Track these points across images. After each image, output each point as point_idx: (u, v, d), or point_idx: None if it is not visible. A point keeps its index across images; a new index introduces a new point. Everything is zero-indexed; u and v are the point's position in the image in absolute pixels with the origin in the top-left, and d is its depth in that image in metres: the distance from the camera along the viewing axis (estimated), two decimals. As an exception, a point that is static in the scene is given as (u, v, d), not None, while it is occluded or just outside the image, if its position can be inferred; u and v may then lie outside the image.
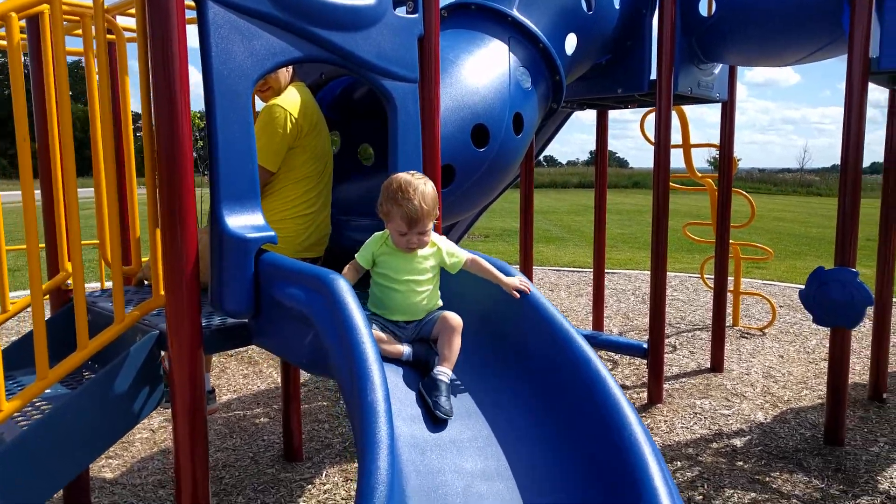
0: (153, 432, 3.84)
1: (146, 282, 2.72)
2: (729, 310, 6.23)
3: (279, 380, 4.73)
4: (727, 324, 6.15)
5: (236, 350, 5.21)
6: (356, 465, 3.41)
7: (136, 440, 3.72)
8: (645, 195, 28.68)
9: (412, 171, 2.07)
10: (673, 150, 4.21)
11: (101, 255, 2.34)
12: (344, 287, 1.76)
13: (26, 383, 2.06)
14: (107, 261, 2.18)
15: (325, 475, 3.30)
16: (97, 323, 2.16)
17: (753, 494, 3.07)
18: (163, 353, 2.12)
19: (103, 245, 2.28)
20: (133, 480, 3.27)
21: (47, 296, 2.50)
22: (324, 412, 4.13)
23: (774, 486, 3.15)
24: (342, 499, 3.08)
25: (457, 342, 1.96)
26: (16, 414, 1.93)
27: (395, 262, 2.00)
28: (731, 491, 3.11)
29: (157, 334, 2.07)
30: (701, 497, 3.05)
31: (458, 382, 2.01)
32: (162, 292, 2.01)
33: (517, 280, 2.02)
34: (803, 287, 3.51)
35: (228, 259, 1.96)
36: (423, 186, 1.98)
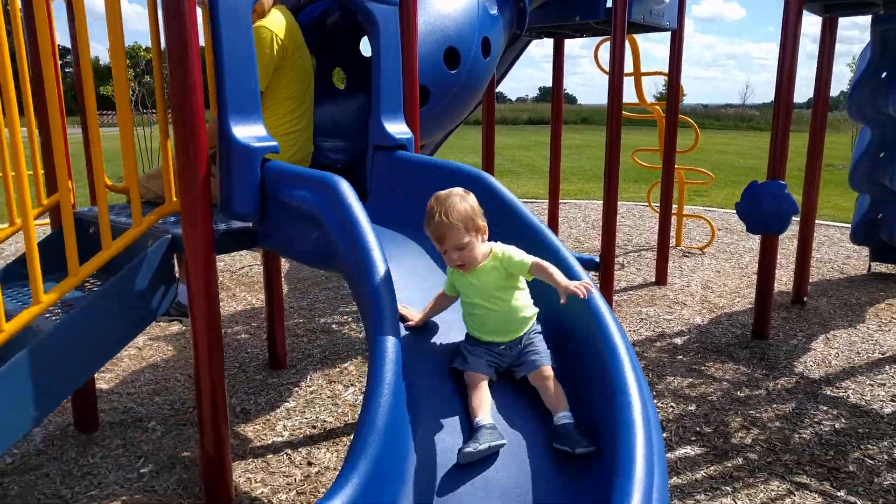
0: (139, 349, 4.04)
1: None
2: (673, 232, 6.71)
3: (253, 301, 4.97)
4: (671, 245, 6.63)
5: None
6: (337, 370, 3.72)
7: (124, 357, 3.92)
8: (594, 131, 29.13)
9: (457, 189, 1.89)
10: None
11: (97, 178, 2.47)
12: (346, 187, 2.00)
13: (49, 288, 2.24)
14: (106, 184, 2.32)
15: (310, 379, 3.60)
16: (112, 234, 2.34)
17: (691, 380, 3.53)
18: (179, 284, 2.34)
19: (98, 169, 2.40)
20: (128, 390, 3.49)
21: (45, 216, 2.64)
22: (301, 328, 4.40)
23: (709, 373, 3.62)
24: (327, 397, 3.39)
25: (552, 387, 1.80)
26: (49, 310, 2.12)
27: (463, 284, 1.91)
28: (672, 378, 3.56)
29: (170, 238, 2.27)
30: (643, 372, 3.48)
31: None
32: (175, 198, 2.20)
33: (573, 284, 1.76)
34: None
35: (236, 167, 2.16)
36: (451, 199, 1.85)
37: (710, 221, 6.77)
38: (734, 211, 4.04)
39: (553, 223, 6.09)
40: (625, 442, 1.57)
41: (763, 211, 3.73)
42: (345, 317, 4.63)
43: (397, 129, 2.67)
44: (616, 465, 1.53)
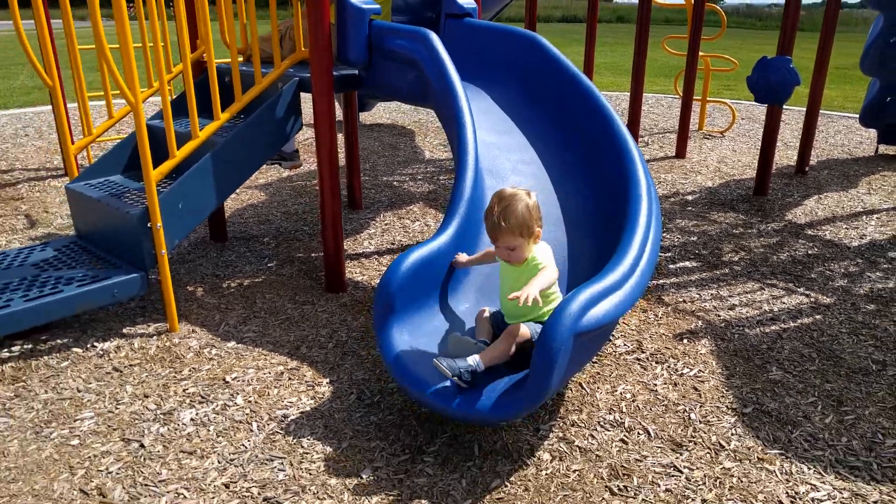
0: (238, 194, 4.89)
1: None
2: (697, 118, 7.27)
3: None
4: (695, 129, 7.22)
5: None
6: (404, 210, 4.54)
7: (229, 200, 4.77)
8: (627, 31, 28.51)
9: (521, 192, 2.05)
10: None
11: (231, 42, 3.18)
12: (436, 37, 2.72)
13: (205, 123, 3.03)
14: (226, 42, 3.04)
15: (382, 216, 4.43)
16: (245, 83, 3.09)
17: (696, 222, 4.29)
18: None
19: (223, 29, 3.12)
20: (238, 220, 4.36)
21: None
22: (367, 184, 5.19)
23: (711, 218, 4.37)
24: (399, 227, 4.21)
25: (503, 347, 2.00)
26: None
27: (503, 266, 2.15)
28: (680, 220, 4.32)
29: (298, 80, 3.02)
30: (658, 224, 4.25)
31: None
32: (303, 48, 2.94)
33: (523, 294, 1.90)
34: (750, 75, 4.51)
35: (351, 24, 2.88)
36: (513, 203, 1.98)
37: (732, 107, 7.30)
38: (757, 104, 4.63)
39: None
40: (633, 206, 2.35)
41: (770, 82, 4.33)
42: (403, 177, 5.42)
43: (465, 0, 3.33)
44: (625, 219, 2.32)
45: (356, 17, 2.86)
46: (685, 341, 2.78)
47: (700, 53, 6.76)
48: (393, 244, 3.91)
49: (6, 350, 2.63)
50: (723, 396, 2.38)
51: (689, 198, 4.84)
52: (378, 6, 2.92)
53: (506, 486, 1.93)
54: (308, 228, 4.17)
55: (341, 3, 2.86)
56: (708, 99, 7.25)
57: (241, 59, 3.45)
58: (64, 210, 4.43)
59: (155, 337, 2.79)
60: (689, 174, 5.49)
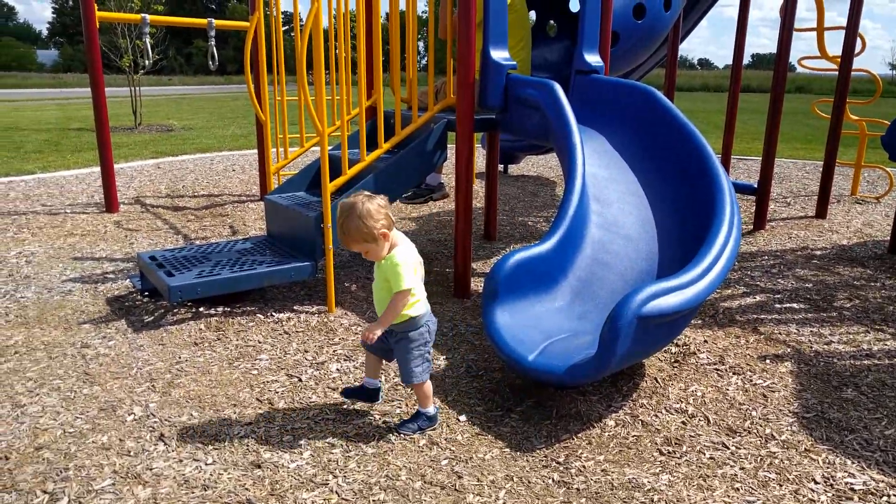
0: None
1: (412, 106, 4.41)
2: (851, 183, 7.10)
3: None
4: (848, 194, 7.08)
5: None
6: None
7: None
8: (803, 101, 27.24)
9: (356, 200, 2.21)
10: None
11: (395, 92, 3.99)
12: (559, 87, 3.30)
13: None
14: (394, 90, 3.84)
15: (513, 247, 4.99)
16: (404, 123, 3.86)
17: (816, 272, 4.37)
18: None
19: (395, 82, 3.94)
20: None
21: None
22: (504, 221, 5.80)
23: (835, 270, 4.42)
24: (526, 259, 4.74)
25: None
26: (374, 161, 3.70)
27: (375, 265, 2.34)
28: (801, 270, 4.42)
29: (446, 121, 3.73)
30: (773, 267, 4.39)
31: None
32: (452, 95, 3.65)
33: (367, 332, 2.26)
34: None
35: (491, 76, 3.55)
36: (346, 218, 2.19)
37: (890, 173, 7.06)
38: None
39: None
40: (714, 229, 2.72)
41: (902, 140, 4.38)
42: (538, 218, 5.97)
43: (593, 59, 3.89)
44: (705, 238, 2.69)
45: (496, 71, 3.53)
46: (768, 361, 3.01)
47: (853, 117, 6.73)
48: (517, 268, 4.44)
49: (213, 309, 3.50)
50: (789, 403, 2.61)
51: (818, 252, 4.88)
52: (515, 62, 3.57)
53: (573, 439, 2.36)
54: (447, 252, 4.83)
55: (485, 59, 3.54)
56: (862, 164, 7.09)
57: (403, 106, 4.28)
58: (258, 225, 5.49)
59: (316, 314, 3.53)
60: (824, 233, 5.49)
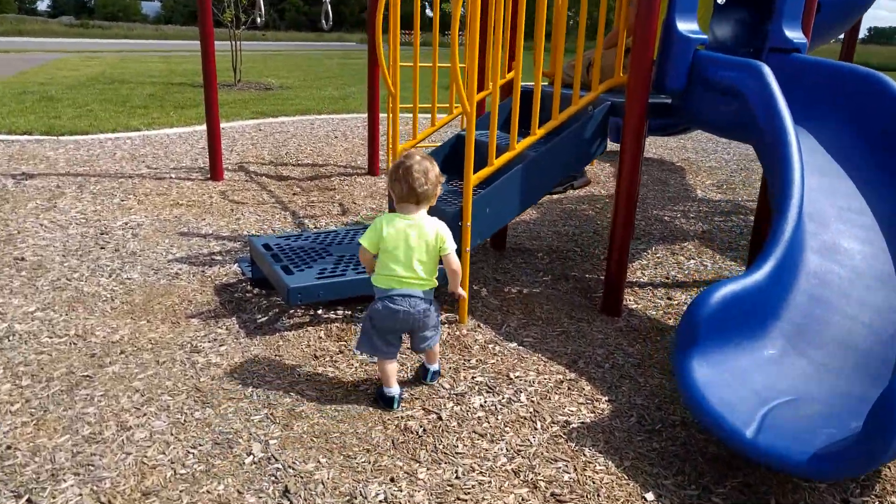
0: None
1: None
2: None
3: (596, 191, 5.84)
4: None
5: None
6: (677, 246, 4.41)
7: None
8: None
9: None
10: None
11: (535, 67, 3.38)
12: (769, 71, 2.62)
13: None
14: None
15: (654, 249, 4.35)
16: (550, 104, 3.26)
17: None
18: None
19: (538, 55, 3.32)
20: (512, 233, 4.59)
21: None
22: (637, 215, 5.13)
23: None
24: (673, 262, 4.10)
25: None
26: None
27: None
28: None
29: (609, 104, 3.12)
30: None
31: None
32: (622, 74, 3.03)
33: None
34: None
35: (675, 52, 2.90)
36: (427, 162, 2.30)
37: None
38: None
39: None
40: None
41: None
42: (674, 212, 5.27)
43: (795, 34, 3.16)
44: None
45: (682, 46, 2.88)
46: None
47: None
48: (667, 279, 3.82)
49: (333, 312, 3.09)
50: None
51: None
52: (705, 36, 2.90)
53: (808, 550, 1.79)
54: (580, 250, 4.25)
55: (668, 31, 2.89)
56: None
57: (545, 81, 3.67)
58: (368, 203, 5.07)
59: (446, 325, 3.06)
60: None
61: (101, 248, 3.81)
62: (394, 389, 2.38)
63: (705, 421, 2.00)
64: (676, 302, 3.48)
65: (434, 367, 2.55)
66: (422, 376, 2.56)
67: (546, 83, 3.73)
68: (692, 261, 4.15)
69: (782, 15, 3.15)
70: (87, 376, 2.47)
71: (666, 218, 5.11)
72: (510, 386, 2.57)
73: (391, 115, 3.57)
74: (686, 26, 2.90)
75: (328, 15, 5.21)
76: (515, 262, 3.95)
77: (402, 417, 2.32)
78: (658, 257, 4.19)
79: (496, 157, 2.98)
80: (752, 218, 5.19)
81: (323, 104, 10.78)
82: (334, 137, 7.84)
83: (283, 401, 2.37)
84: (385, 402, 2.38)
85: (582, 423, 2.35)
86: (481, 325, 3.08)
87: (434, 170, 2.28)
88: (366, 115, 9.37)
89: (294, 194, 5.22)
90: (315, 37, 48.05)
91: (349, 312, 3.09)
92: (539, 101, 3.02)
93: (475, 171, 2.88)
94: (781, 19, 3.15)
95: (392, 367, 2.38)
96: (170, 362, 2.59)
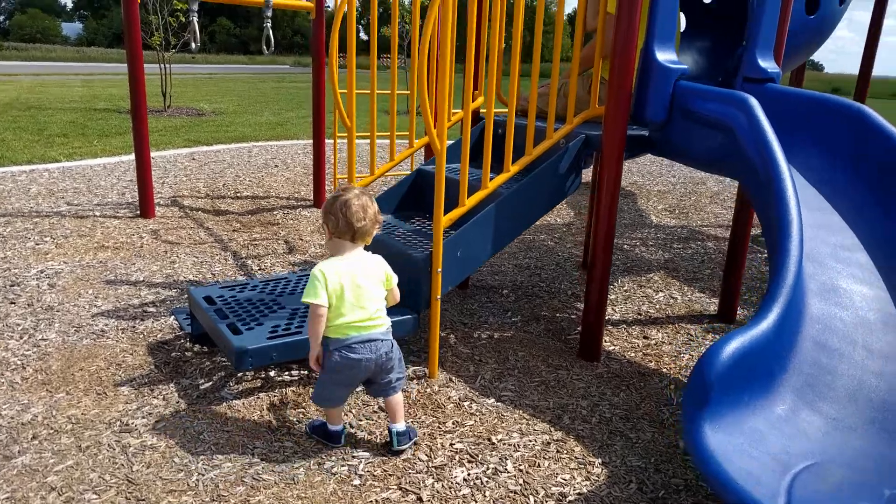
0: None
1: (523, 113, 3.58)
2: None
3: (557, 219, 5.67)
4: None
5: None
6: (643, 278, 4.26)
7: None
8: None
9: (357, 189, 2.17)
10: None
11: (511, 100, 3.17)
12: (756, 105, 2.47)
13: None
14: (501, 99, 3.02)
15: (620, 282, 4.19)
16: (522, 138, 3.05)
17: None
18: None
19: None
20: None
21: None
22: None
23: None
24: (642, 296, 3.94)
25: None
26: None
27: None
28: None
29: (584, 137, 2.92)
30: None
31: None
32: (598, 105, 2.84)
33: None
34: None
35: (654, 83, 2.73)
36: (335, 197, 2.14)
37: None
38: None
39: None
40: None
41: None
42: (633, 240, 5.15)
43: (768, 64, 3.05)
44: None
45: (662, 77, 2.71)
46: None
47: None
48: (639, 314, 3.65)
49: (287, 373, 2.74)
50: None
51: None
52: (685, 67, 2.75)
53: None
54: (545, 285, 4.04)
55: (647, 61, 2.73)
56: None
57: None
58: (316, 239, 4.72)
59: (415, 381, 2.76)
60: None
61: (11, 302, 3.33)
62: (340, 425, 2.29)
63: (727, 498, 1.77)
64: (654, 341, 3.30)
65: (399, 426, 2.25)
66: (390, 442, 2.25)
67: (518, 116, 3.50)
68: (661, 293, 3.99)
69: (756, 44, 3.04)
70: (-8, 471, 2.05)
71: (626, 247, 4.98)
72: (494, 452, 2.29)
73: (350, 151, 3.27)
74: (665, 56, 2.74)
75: (270, 39, 4.88)
76: (481, 302, 3.70)
77: (377, 501, 2.00)
78: (626, 290, 4.02)
79: (467, 197, 2.72)
80: (710, 245, 5.13)
81: (260, 131, 10.34)
82: (274, 166, 7.44)
83: (236, 490, 2.01)
84: (330, 440, 2.28)
85: (578, 493, 2.09)
86: (453, 378, 2.80)
87: (373, 207, 2.17)
88: (307, 142, 9.05)
89: (234, 231, 4.82)
90: (247, 59, 47.20)
91: (305, 373, 2.74)
92: (512, 134, 2.79)
93: (445, 213, 2.61)
94: (755, 48, 3.04)
95: (342, 408, 2.31)
96: (95, 447, 2.19)
